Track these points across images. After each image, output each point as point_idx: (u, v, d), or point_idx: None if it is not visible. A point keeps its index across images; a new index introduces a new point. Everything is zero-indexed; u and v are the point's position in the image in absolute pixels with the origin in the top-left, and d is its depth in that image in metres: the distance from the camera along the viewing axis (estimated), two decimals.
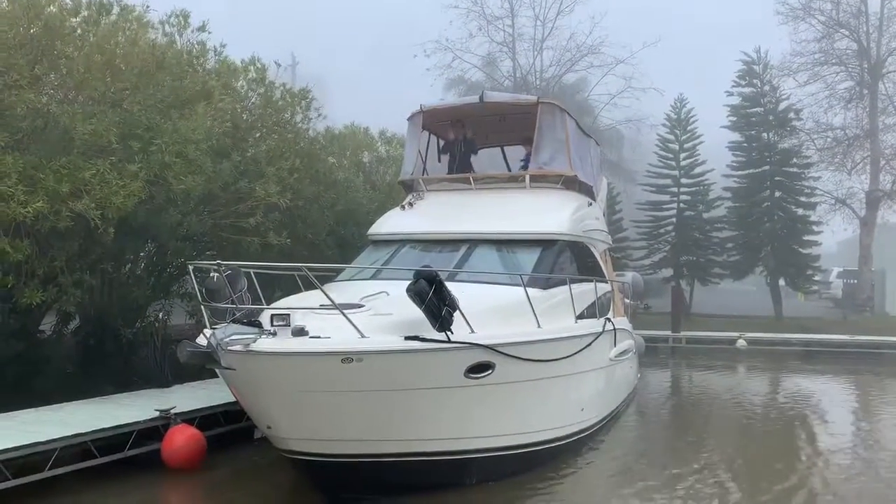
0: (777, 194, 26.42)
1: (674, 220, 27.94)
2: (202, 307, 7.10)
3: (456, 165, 12.17)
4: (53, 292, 9.57)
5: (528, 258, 9.67)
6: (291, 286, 9.06)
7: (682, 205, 27.89)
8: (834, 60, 29.56)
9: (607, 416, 10.96)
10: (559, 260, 10.00)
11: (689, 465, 9.20)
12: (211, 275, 7.19)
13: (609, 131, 34.48)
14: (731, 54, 27.72)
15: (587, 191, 12.02)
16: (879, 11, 28.79)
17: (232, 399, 8.29)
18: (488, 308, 7.82)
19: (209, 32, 12.15)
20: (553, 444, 8.83)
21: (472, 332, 7.14)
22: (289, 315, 6.71)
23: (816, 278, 27.87)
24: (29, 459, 7.43)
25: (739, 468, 9.23)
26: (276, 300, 8.26)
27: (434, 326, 6.65)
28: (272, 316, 6.75)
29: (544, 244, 9.92)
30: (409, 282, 6.64)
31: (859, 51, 29.17)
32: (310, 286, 7.16)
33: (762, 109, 26.94)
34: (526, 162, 12.18)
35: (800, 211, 26.65)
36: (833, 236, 32.76)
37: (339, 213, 14.11)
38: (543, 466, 8.62)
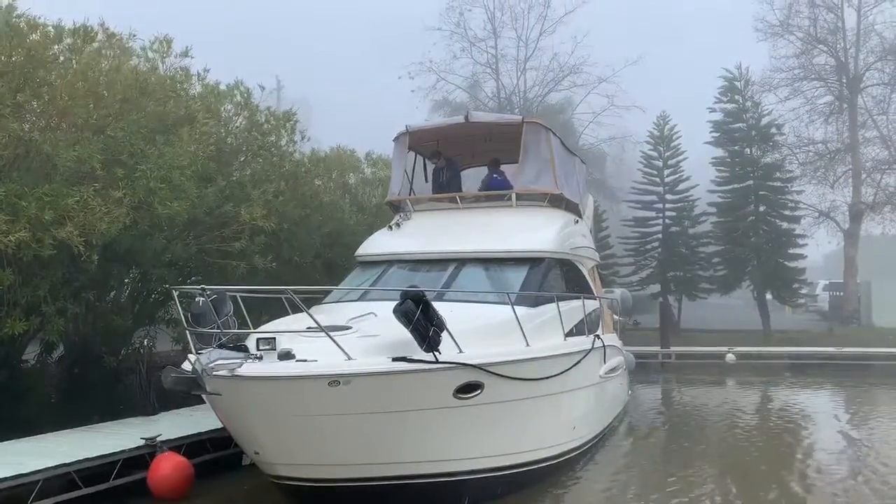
0: (761, 208, 26.58)
1: (660, 235, 28.10)
2: (187, 332, 7.03)
3: (441, 188, 12.20)
4: (37, 321, 9.45)
5: (516, 276, 9.67)
6: (278, 310, 8.99)
7: (667, 221, 28.06)
8: (813, 76, 30.05)
9: (599, 434, 10.91)
10: (547, 277, 10.00)
11: (682, 482, 9.14)
12: (196, 300, 7.13)
13: (593, 149, 34.71)
14: (713, 70, 28.09)
15: (573, 208, 12.07)
16: (856, 27, 29.33)
17: (219, 425, 8.18)
18: (476, 327, 7.79)
19: (192, 58, 12.20)
20: (545, 464, 8.76)
21: (461, 351, 7.09)
22: (274, 339, 6.65)
23: (803, 291, 28.00)
24: (12, 492, 7.26)
25: (734, 483, 9.18)
26: (262, 324, 8.19)
27: (422, 347, 6.61)
28: (258, 340, 6.68)
29: (532, 262, 9.92)
30: (396, 302, 6.61)
31: (837, 66, 29.66)
32: (297, 309, 7.11)
33: (744, 125, 27.16)
34: (487, 184, 12.13)
35: (784, 225, 26.79)
36: (818, 249, 33.01)
37: (325, 236, 14.07)
38: (536, 486, 8.54)
